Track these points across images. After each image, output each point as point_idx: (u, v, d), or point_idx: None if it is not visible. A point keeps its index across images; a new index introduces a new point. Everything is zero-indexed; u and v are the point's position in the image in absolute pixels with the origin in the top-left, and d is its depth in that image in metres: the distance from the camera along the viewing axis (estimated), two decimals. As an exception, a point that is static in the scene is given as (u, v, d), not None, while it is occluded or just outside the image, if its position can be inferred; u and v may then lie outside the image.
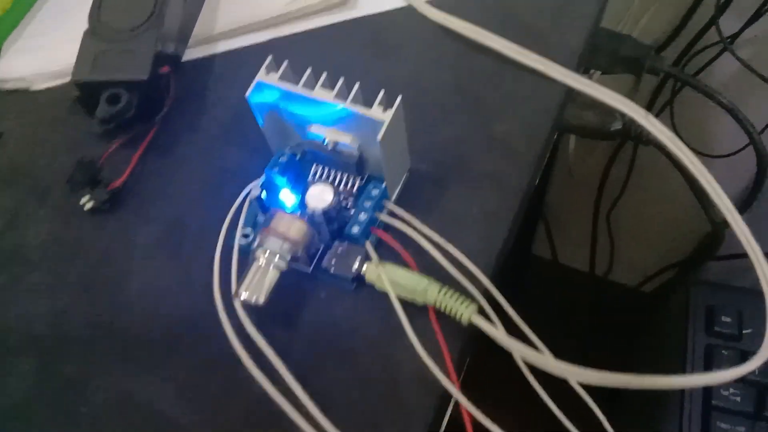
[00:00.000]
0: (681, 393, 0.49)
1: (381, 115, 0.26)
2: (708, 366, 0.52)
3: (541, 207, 0.82)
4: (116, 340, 0.30)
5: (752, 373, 0.44)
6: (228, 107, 0.36)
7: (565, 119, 0.40)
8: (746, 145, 0.58)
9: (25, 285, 0.32)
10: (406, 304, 0.28)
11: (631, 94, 0.65)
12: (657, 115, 0.66)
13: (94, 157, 0.33)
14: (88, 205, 0.32)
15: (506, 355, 0.27)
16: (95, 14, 0.34)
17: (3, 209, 0.34)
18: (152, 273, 0.31)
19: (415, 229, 0.30)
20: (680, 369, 0.52)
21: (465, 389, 0.26)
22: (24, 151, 0.36)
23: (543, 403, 0.27)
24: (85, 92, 0.33)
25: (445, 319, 0.28)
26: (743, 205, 0.52)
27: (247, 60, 0.37)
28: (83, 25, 0.38)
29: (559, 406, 0.27)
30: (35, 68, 0.38)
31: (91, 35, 0.33)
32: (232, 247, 0.30)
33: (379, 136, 0.26)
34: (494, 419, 0.25)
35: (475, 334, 0.27)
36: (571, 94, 0.34)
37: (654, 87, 0.65)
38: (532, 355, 0.26)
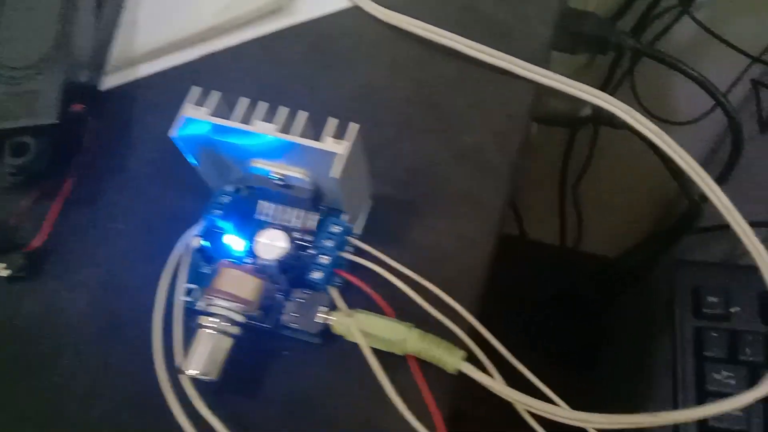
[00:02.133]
0: (673, 378, 0.48)
1: (334, 147, 0.22)
2: (699, 349, 0.50)
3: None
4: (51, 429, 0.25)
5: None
6: (157, 141, 0.31)
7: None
8: (710, 110, 0.57)
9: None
10: (386, 355, 0.24)
11: (588, 69, 0.62)
12: (617, 86, 0.64)
13: (3, 216, 0.28)
14: (3, 273, 0.28)
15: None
16: (-14, 48, 0.29)
17: None
18: (88, 346, 0.27)
19: (385, 266, 0.26)
20: (670, 353, 0.50)
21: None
22: None
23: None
24: (-17, 141, 0.28)
25: (431, 368, 0.24)
26: (720, 178, 0.50)
27: (176, 83, 0.33)
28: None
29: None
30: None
31: (-17, 74, 0.28)
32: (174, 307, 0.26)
33: (335, 173, 0.22)
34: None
35: (467, 383, 0.24)
36: (540, 91, 0.31)
37: (611, 60, 0.62)
38: (537, 405, 0.23)
